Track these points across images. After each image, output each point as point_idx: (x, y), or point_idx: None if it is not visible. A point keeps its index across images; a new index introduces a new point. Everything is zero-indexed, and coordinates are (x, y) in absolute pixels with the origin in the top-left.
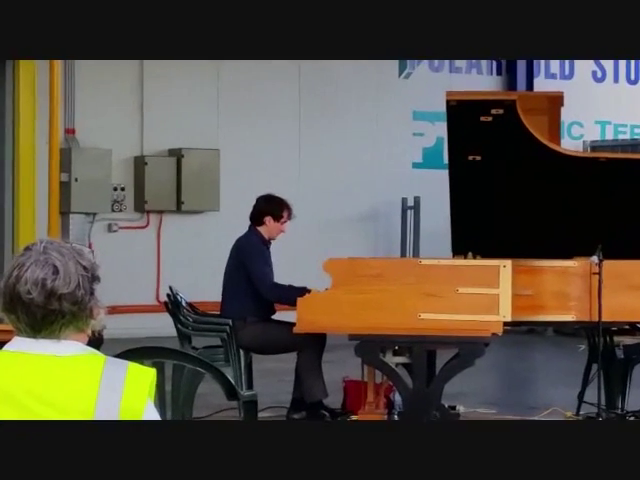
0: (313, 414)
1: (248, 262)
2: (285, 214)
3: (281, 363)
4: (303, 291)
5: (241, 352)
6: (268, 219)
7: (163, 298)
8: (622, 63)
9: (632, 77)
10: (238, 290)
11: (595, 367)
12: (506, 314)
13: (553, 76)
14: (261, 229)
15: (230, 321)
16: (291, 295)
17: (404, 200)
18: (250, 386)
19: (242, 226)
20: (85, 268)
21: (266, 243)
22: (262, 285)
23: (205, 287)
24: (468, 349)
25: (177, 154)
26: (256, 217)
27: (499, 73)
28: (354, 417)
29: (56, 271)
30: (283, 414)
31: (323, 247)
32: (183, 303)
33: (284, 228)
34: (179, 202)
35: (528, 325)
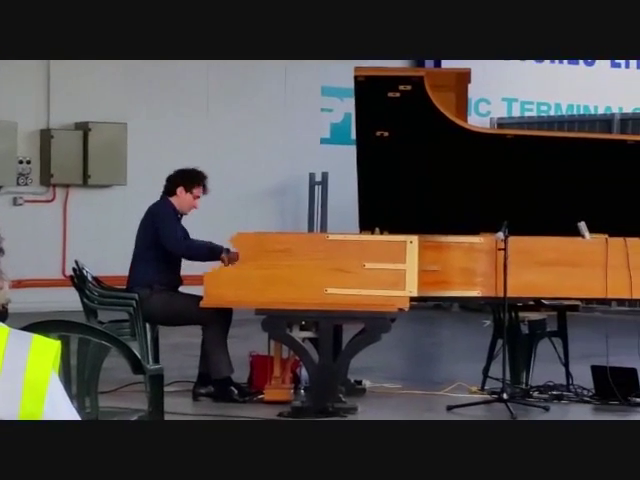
0: (220, 390)
1: (158, 224)
2: (198, 187)
3: (188, 337)
4: (214, 249)
5: (147, 326)
6: (180, 190)
7: (69, 272)
8: None
9: None
10: (147, 258)
11: (500, 342)
12: (412, 289)
13: None
14: (173, 200)
15: (136, 295)
16: (198, 250)
17: (312, 175)
18: (156, 360)
19: (149, 200)
20: None
21: (177, 213)
22: (168, 239)
23: (111, 261)
24: (374, 324)
25: (84, 127)
26: (169, 188)
27: None
28: (262, 396)
29: None
30: (189, 388)
31: (231, 222)
32: (89, 277)
33: (196, 204)
34: (85, 176)
35: (434, 301)
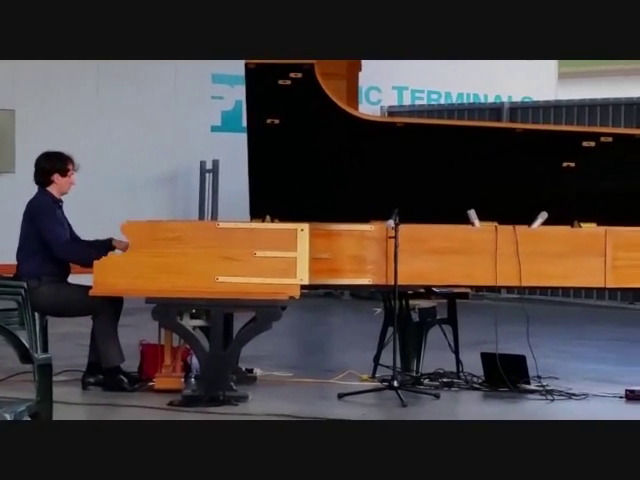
0: (110, 379)
1: (39, 223)
2: (70, 166)
3: (77, 327)
4: (100, 248)
5: (36, 315)
6: (56, 177)
7: None
8: None
9: None
10: (33, 250)
11: (391, 330)
12: (303, 277)
13: None
14: (51, 188)
15: (25, 284)
16: (85, 254)
17: (202, 163)
18: (45, 349)
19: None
20: None
21: (57, 202)
22: (54, 244)
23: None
24: (265, 312)
25: None
26: (42, 178)
27: None
28: (152, 383)
29: None
30: (79, 377)
31: (121, 210)
32: None
33: (73, 180)
34: None
35: (325, 288)
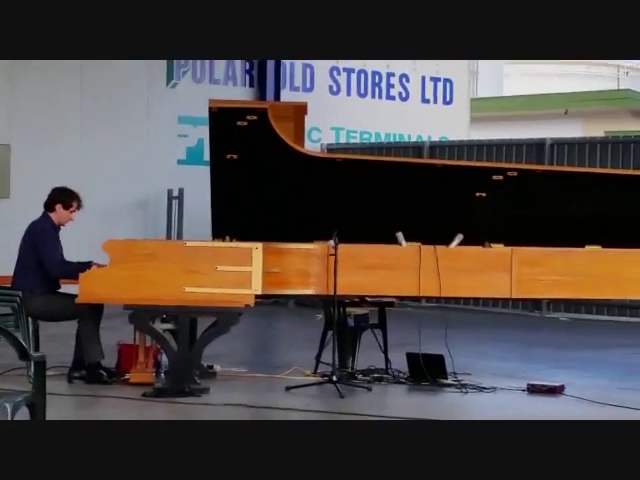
0: (92, 374)
1: (39, 245)
2: (74, 204)
3: (65, 329)
4: (87, 265)
5: (29, 319)
6: (58, 207)
7: None
8: (353, 79)
9: (362, 91)
10: (29, 266)
11: (330, 333)
12: (257, 288)
13: (297, 89)
14: (52, 215)
15: (20, 292)
16: (76, 270)
17: (170, 191)
18: (37, 348)
19: (30, 211)
20: None
21: (56, 227)
22: (50, 265)
23: None
24: (225, 318)
25: None
26: (48, 204)
27: (252, 85)
28: (127, 375)
29: None
30: (65, 372)
31: (100, 230)
32: None
33: (73, 217)
34: None
35: (275, 298)
